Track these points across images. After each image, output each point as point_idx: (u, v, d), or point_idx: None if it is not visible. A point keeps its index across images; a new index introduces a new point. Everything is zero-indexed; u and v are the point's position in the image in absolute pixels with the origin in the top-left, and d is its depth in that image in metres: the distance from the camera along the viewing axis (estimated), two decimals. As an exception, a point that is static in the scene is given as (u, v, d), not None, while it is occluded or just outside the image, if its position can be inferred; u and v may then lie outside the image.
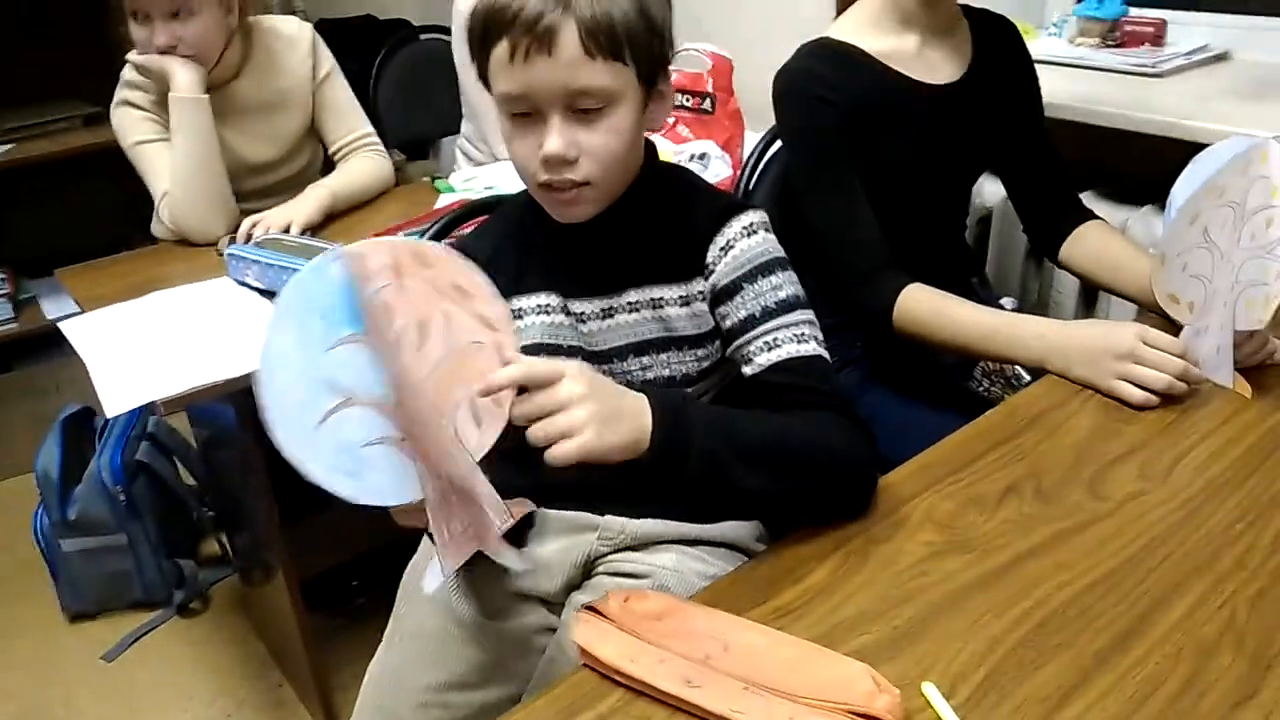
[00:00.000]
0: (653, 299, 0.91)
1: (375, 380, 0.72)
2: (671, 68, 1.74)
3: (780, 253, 0.90)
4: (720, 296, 0.89)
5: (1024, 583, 0.76)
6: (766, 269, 0.88)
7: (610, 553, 0.97)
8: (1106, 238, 1.28)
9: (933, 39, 1.24)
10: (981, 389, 1.34)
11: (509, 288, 0.90)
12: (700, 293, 0.91)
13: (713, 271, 0.89)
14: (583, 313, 0.93)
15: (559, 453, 0.71)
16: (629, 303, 0.92)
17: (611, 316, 0.92)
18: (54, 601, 1.96)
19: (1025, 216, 1.38)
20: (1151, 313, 1.11)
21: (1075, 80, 1.63)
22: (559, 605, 0.97)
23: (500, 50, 0.81)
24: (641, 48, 0.83)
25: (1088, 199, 1.49)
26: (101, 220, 2.11)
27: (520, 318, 0.93)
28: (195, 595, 1.99)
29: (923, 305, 1.15)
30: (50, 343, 1.36)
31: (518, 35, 0.79)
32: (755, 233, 0.89)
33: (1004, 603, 0.74)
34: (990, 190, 1.65)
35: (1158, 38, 1.69)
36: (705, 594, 0.79)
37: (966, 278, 1.40)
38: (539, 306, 0.93)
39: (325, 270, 0.70)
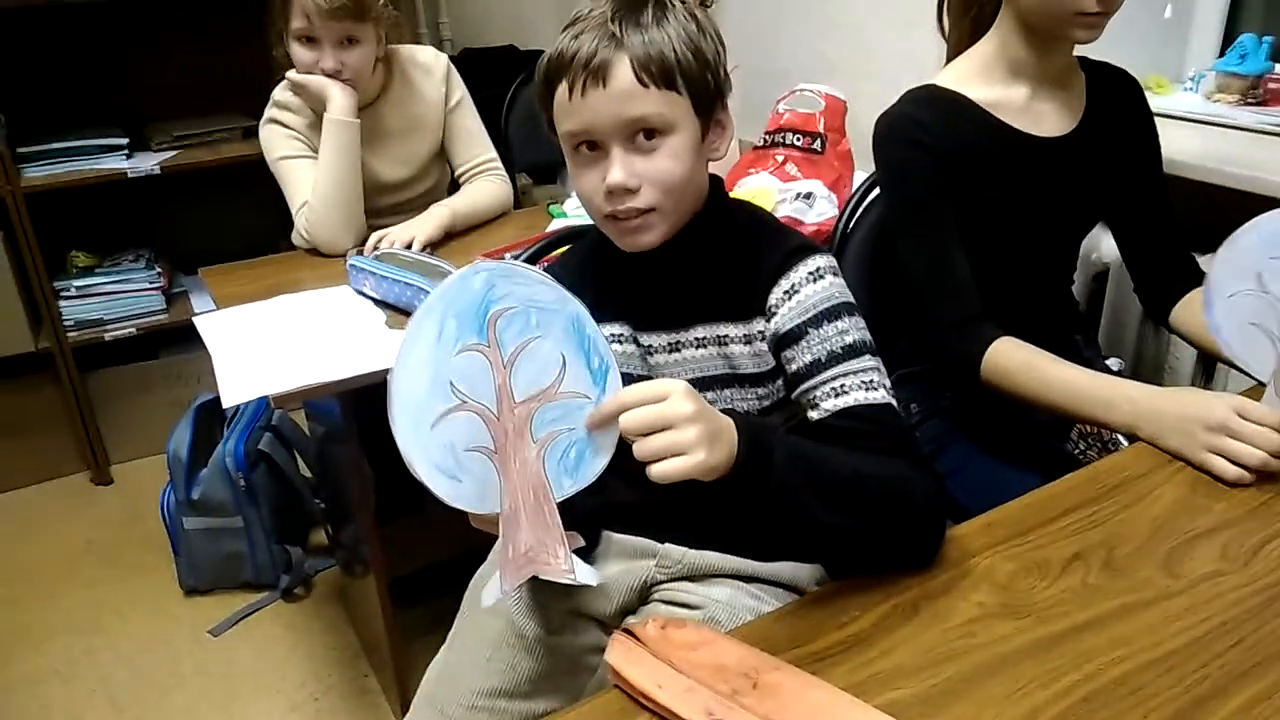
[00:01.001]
0: (718, 336, 0.93)
1: (485, 390, 0.76)
2: (784, 107, 1.77)
3: (847, 297, 0.90)
4: (785, 341, 0.90)
5: (1076, 655, 0.74)
6: (832, 314, 0.89)
7: (667, 580, 0.99)
8: (1220, 304, 1.22)
9: (1044, 90, 1.21)
10: (1077, 451, 1.29)
11: None
12: (760, 332, 0.92)
13: (775, 314, 0.90)
14: (651, 345, 0.95)
15: (667, 469, 0.72)
16: (696, 338, 0.94)
17: (678, 351, 0.94)
18: (172, 575, 2.12)
19: (1136, 276, 1.33)
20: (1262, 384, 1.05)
21: (1208, 138, 1.56)
22: (614, 627, 1.00)
23: (561, 91, 0.86)
24: (694, 79, 0.86)
25: (1210, 262, 1.42)
26: (253, 225, 2.27)
27: None
28: (300, 581, 2.11)
29: (1013, 359, 1.13)
30: (195, 335, 1.48)
31: (575, 74, 0.84)
32: (822, 277, 0.90)
33: (1051, 673, 0.72)
34: (1108, 247, 1.58)
35: (1304, 98, 1.60)
36: (745, 629, 0.80)
37: (1069, 334, 1.36)
38: (611, 336, 0.96)
39: (469, 278, 0.76)
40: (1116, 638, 0.75)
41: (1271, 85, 1.63)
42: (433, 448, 0.75)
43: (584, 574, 0.79)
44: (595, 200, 0.89)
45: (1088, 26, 1.12)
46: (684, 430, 0.73)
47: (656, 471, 0.72)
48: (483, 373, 0.76)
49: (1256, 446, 0.92)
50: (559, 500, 0.78)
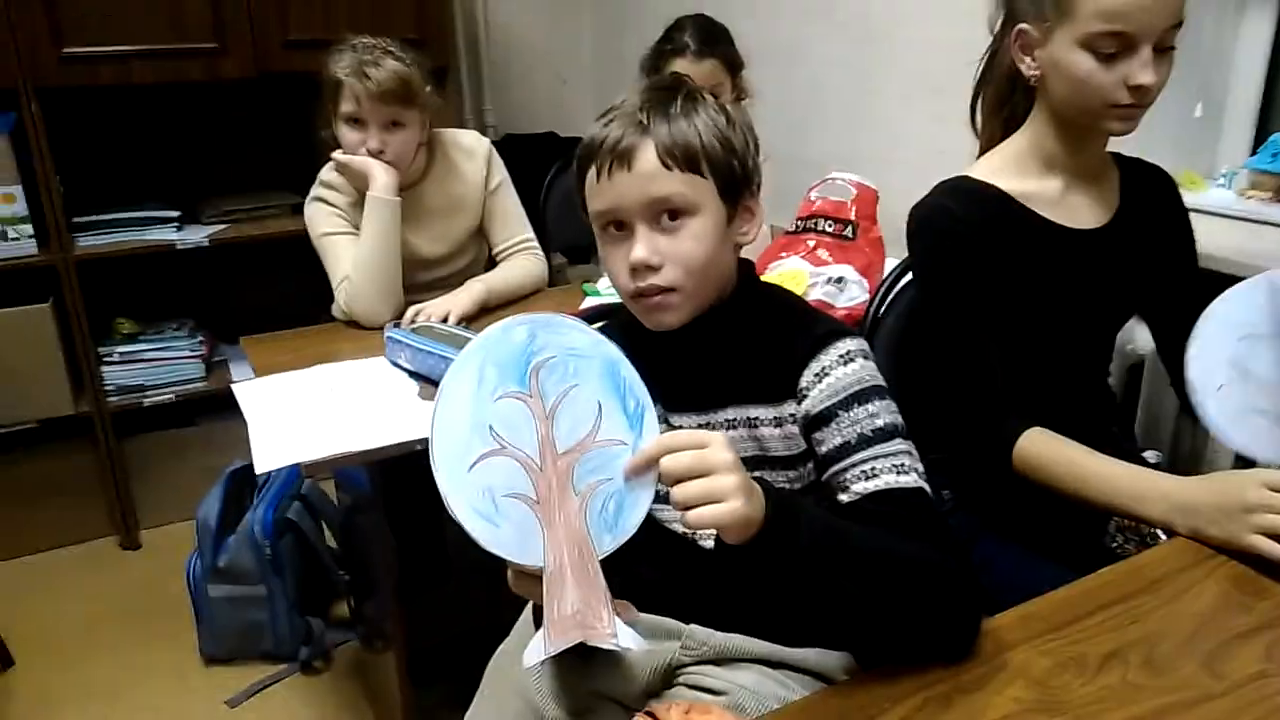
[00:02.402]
0: (749, 418, 0.93)
1: (527, 439, 0.78)
2: (815, 195, 1.79)
3: (879, 381, 0.91)
4: (815, 423, 0.90)
5: (1115, 756, 0.71)
6: (863, 397, 0.89)
7: (692, 664, 0.97)
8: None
9: (1078, 183, 1.23)
10: (1115, 545, 1.26)
11: None
12: (792, 415, 0.92)
13: (806, 396, 0.91)
14: (682, 426, 0.96)
15: (704, 515, 0.73)
16: (726, 419, 0.94)
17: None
18: (193, 643, 2.10)
19: (1172, 370, 1.31)
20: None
21: (1242, 233, 1.56)
22: (637, 711, 0.97)
23: (591, 174, 0.90)
24: (719, 164, 0.89)
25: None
26: (295, 298, 2.32)
27: None
28: (320, 654, 2.09)
29: (1044, 451, 1.11)
30: (233, 403, 1.50)
31: (604, 158, 0.89)
32: (852, 360, 0.90)
33: (1090, 774, 0.70)
34: (1143, 338, 1.58)
35: (1337, 195, 1.60)
36: (769, 717, 0.78)
37: (1106, 426, 1.34)
38: None
39: (511, 329, 0.79)
40: (1158, 739, 0.73)
41: (1304, 183, 1.64)
42: (470, 490, 0.76)
43: (627, 638, 0.77)
44: (621, 278, 0.92)
45: (1122, 119, 1.14)
46: (723, 477, 0.74)
47: (693, 517, 0.73)
48: (525, 421, 0.78)
49: None
50: (601, 558, 0.77)
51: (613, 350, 0.80)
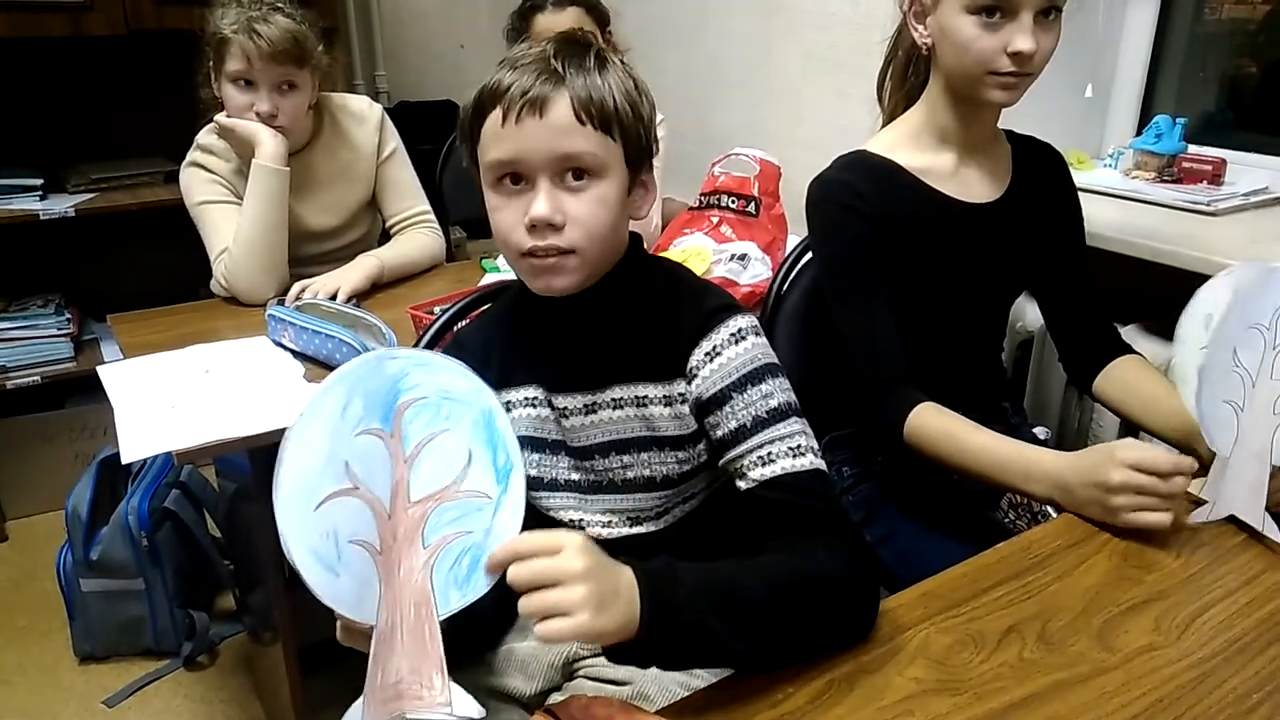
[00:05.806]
0: (637, 396, 0.90)
1: (381, 481, 0.71)
2: (719, 170, 1.77)
3: (771, 359, 0.88)
4: (709, 405, 0.87)
5: (1014, 734, 0.72)
6: (756, 377, 0.86)
7: (590, 656, 0.94)
8: (1141, 373, 1.24)
9: (970, 158, 1.23)
10: (1007, 520, 1.29)
11: (499, 381, 0.90)
12: (681, 394, 0.89)
13: (696, 376, 0.87)
14: (566, 408, 0.92)
15: (552, 629, 0.67)
16: (613, 399, 0.90)
17: (595, 412, 0.91)
18: (67, 640, 1.98)
19: (1061, 345, 1.35)
20: (1184, 452, 1.06)
21: (1127, 212, 1.61)
22: (537, 708, 0.94)
23: (493, 118, 0.82)
24: (629, 130, 0.85)
25: (1132, 333, 1.46)
26: (172, 272, 2.19)
27: (509, 410, 0.91)
28: (204, 649, 1.99)
29: (933, 426, 1.12)
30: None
31: (511, 102, 0.81)
32: (744, 339, 0.87)
33: (989, 753, 0.70)
34: (1033, 315, 1.62)
35: (1216, 176, 1.66)
36: (675, 707, 0.76)
37: (997, 401, 1.36)
38: (525, 399, 0.93)
39: (386, 360, 0.72)
40: (1054, 715, 0.73)
41: (1185, 164, 1.69)
42: (313, 531, 0.69)
43: (463, 707, 0.70)
44: (514, 235, 0.84)
45: (1003, 87, 1.13)
46: (571, 589, 0.67)
47: (540, 630, 0.67)
48: (382, 462, 0.71)
49: (1162, 495, 0.93)
50: (443, 617, 0.71)
51: (492, 400, 0.75)
